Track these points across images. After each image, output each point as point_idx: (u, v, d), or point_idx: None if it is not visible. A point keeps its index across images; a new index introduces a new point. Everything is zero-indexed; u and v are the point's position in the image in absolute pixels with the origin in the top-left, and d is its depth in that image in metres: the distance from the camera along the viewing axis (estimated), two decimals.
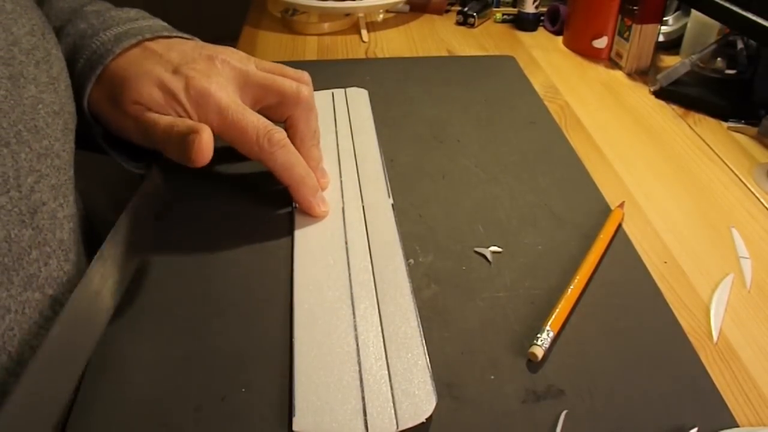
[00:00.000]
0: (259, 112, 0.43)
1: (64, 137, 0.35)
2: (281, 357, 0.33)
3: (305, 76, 0.45)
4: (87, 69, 0.41)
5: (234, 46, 0.77)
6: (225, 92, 0.40)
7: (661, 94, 0.66)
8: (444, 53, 0.76)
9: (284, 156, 0.40)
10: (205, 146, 0.38)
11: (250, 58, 0.44)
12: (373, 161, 0.49)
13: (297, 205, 0.43)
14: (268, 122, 0.40)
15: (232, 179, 0.47)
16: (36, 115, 0.32)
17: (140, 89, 0.40)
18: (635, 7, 0.67)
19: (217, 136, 0.40)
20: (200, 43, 0.45)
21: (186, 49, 0.42)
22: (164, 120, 0.40)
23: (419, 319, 0.35)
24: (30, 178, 0.31)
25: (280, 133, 0.40)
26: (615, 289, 0.38)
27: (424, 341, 0.34)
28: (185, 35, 0.46)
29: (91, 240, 0.40)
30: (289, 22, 0.82)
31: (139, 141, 0.42)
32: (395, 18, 0.87)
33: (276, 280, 0.38)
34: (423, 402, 0.30)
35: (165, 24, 0.46)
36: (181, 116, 0.40)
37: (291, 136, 0.43)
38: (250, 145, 0.40)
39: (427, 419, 0.30)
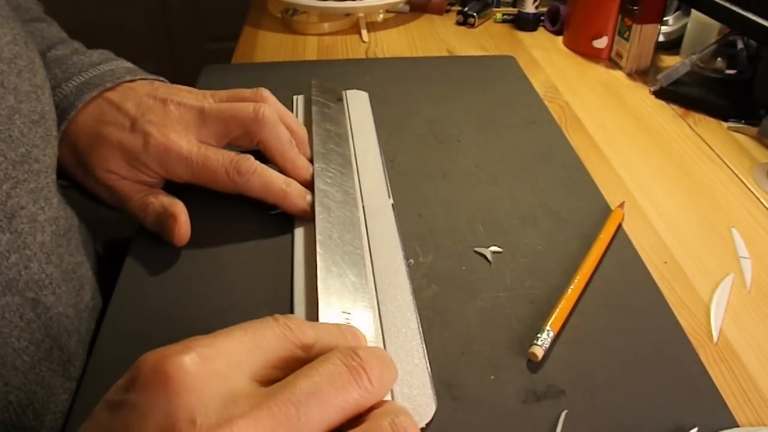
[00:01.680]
0: (230, 143, 0.43)
1: (44, 143, 0.35)
2: None
3: (262, 93, 0.45)
4: None
5: (234, 47, 0.78)
6: (185, 140, 0.41)
7: (661, 94, 0.66)
8: (444, 53, 0.76)
9: (258, 180, 0.41)
10: (184, 231, 0.40)
11: (206, 93, 0.44)
12: (373, 161, 0.49)
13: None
14: (232, 154, 0.41)
15: None
16: (11, 125, 0.32)
17: (106, 156, 0.40)
18: (635, 7, 0.67)
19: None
20: (158, 84, 0.45)
21: (141, 95, 0.43)
22: (137, 197, 0.41)
23: (419, 321, 0.35)
24: (5, 185, 0.31)
25: (246, 161, 0.41)
26: (615, 289, 0.38)
27: (424, 344, 0.34)
28: (149, 75, 0.46)
29: (82, 241, 0.40)
30: (289, 22, 0.82)
31: (112, 204, 0.43)
32: (395, 18, 0.87)
33: (276, 280, 0.38)
34: (423, 407, 0.30)
35: (128, 65, 0.46)
36: (148, 176, 0.41)
37: (270, 156, 0.43)
38: (224, 182, 0.41)
39: (426, 424, 0.30)
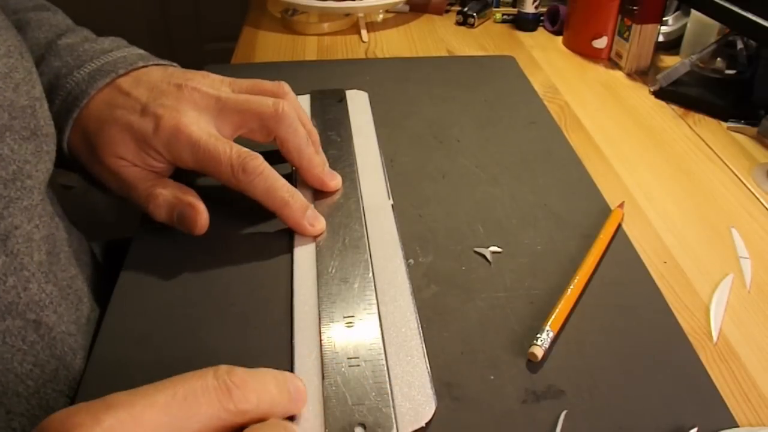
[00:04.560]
0: (245, 135, 0.42)
1: (35, 159, 0.34)
2: (281, 358, 0.33)
3: (283, 87, 0.44)
4: (63, 112, 0.40)
5: (234, 47, 0.78)
6: (196, 126, 0.39)
7: (661, 94, 0.66)
8: (444, 53, 0.76)
9: (262, 183, 0.39)
10: (204, 219, 0.40)
11: (224, 80, 0.43)
12: (373, 161, 0.49)
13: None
14: (242, 150, 0.39)
15: None
16: (1, 144, 0.31)
17: (114, 140, 0.39)
18: (635, 7, 0.67)
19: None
20: (172, 70, 0.44)
21: (155, 80, 0.41)
22: (143, 187, 0.40)
23: (419, 321, 0.35)
24: None
25: (254, 160, 0.39)
26: (615, 289, 0.38)
27: (423, 343, 0.34)
28: (162, 61, 0.45)
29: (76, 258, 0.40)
30: (289, 22, 0.82)
31: (118, 192, 0.42)
32: (395, 18, 0.87)
33: (276, 280, 0.38)
34: (423, 406, 0.30)
35: (141, 52, 0.45)
36: (156, 160, 0.40)
37: (286, 152, 0.42)
38: (227, 176, 0.39)
39: (426, 424, 0.30)
